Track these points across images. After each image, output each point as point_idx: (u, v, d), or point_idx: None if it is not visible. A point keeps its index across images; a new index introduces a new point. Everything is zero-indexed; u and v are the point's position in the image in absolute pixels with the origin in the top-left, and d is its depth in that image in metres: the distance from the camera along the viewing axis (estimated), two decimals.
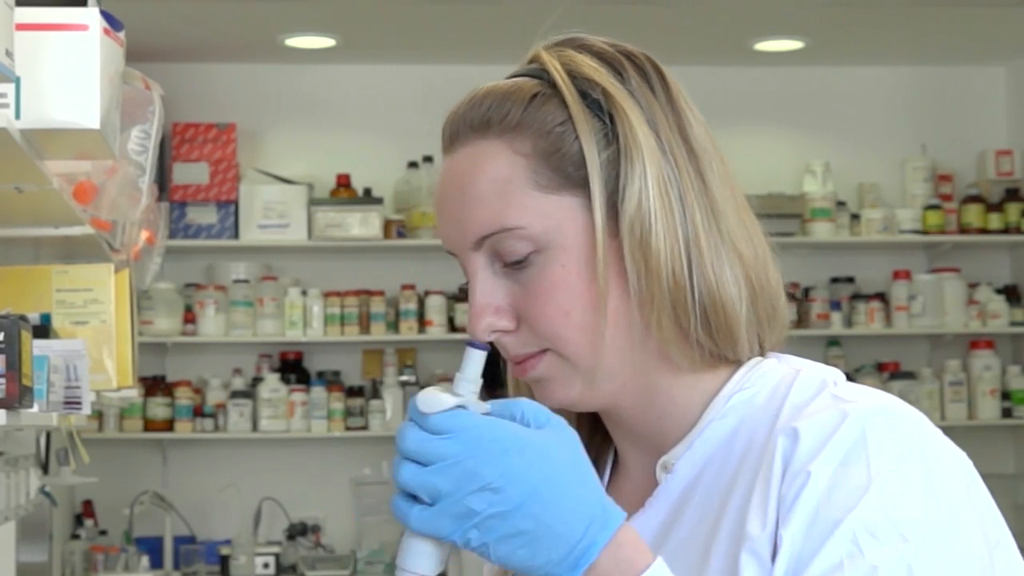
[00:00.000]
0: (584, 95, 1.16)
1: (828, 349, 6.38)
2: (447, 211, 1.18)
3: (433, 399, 1.03)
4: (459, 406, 1.04)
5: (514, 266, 1.15)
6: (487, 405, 1.06)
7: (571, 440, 1.05)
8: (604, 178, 1.14)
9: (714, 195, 1.16)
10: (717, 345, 1.16)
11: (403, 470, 1.03)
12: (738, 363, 1.19)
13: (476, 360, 1.06)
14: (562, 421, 1.06)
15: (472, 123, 1.17)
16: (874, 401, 1.11)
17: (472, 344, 1.07)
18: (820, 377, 1.17)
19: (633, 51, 1.20)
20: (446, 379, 6.09)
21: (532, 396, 1.22)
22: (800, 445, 1.08)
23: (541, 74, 1.18)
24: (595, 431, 1.27)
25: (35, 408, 2.20)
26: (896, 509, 1.04)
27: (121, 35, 2.08)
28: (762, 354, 1.20)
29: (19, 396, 2.07)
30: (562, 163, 1.14)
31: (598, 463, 1.26)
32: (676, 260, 1.13)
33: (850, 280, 6.43)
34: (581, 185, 1.14)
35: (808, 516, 1.05)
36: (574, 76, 1.17)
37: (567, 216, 1.14)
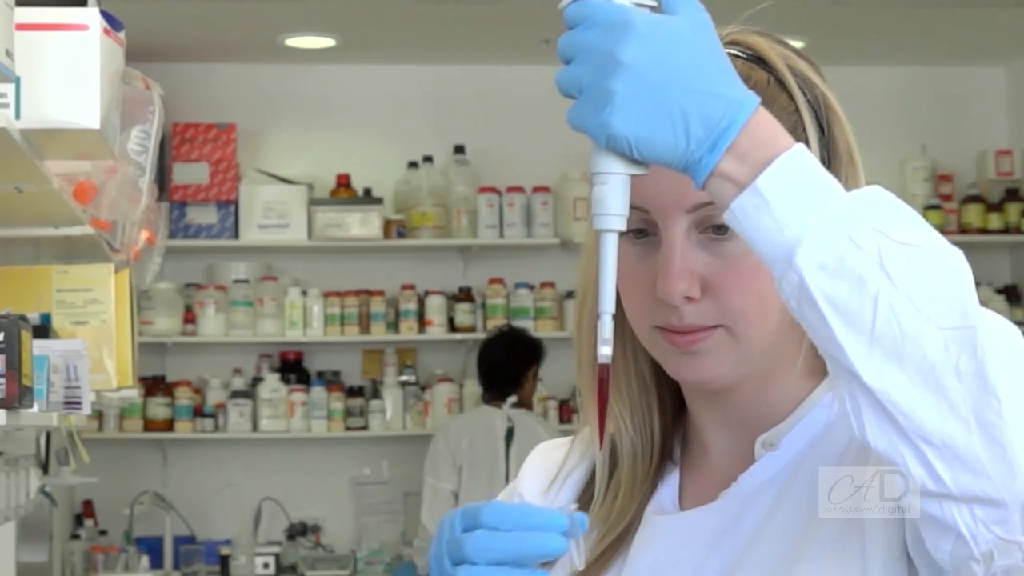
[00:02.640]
0: (803, 94, 1.17)
1: None
2: (665, 170, 1.14)
3: None
4: None
5: (719, 238, 1.14)
6: None
7: (706, 26, 1.02)
8: None
9: None
10: None
11: (558, 74, 1.01)
12: None
13: None
14: (698, 5, 1.02)
15: None
16: None
17: None
18: None
19: (813, 59, 1.22)
20: (446, 379, 6.11)
21: (628, 370, 1.24)
22: None
23: (759, 62, 1.19)
24: (675, 409, 1.27)
25: (35, 408, 2.20)
26: None
27: (121, 35, 2.08)
28: None
29: (19, 396, 2.07)
30: None
31: (671, 442, 1.27)
32: None
33: None
34: None
35: None
36: (795, 73, 1.17)
37: None
